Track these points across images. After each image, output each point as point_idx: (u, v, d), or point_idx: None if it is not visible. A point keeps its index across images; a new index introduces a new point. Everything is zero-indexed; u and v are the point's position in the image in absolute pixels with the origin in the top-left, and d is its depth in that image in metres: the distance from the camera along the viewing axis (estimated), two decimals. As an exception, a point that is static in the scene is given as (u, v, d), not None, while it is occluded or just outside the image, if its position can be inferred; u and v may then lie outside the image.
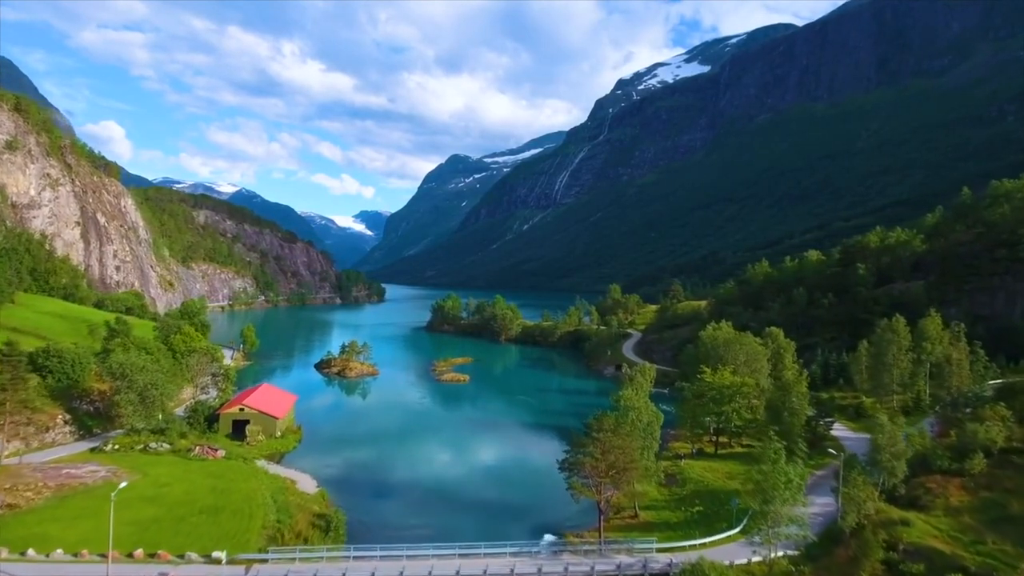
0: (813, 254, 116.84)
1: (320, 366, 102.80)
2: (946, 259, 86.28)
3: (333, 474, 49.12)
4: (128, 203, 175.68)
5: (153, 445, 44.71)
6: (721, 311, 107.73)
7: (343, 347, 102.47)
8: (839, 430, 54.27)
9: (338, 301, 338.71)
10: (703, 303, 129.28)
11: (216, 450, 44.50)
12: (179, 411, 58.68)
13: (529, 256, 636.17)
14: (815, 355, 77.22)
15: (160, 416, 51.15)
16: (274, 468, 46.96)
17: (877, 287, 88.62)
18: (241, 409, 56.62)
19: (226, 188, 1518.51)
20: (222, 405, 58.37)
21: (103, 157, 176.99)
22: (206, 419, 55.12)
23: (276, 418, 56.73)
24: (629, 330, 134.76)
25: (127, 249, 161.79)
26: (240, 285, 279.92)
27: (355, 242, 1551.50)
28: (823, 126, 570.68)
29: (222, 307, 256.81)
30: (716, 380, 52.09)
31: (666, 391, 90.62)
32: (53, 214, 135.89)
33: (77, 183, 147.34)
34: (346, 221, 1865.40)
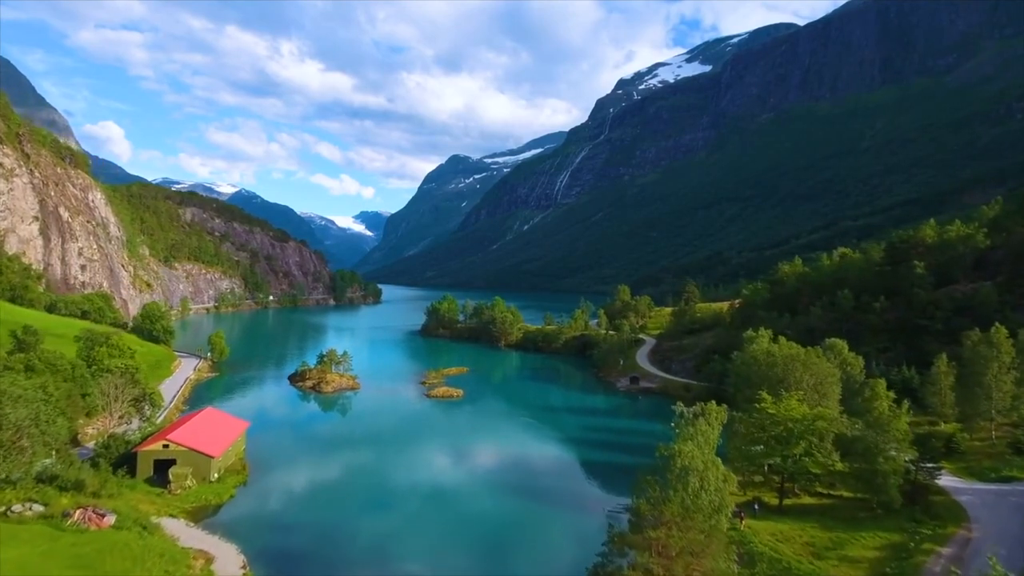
0: (843, 251, 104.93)
1: (294, 378, 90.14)
2: (1018, 256, 74.44)
3: (273, 540, 36.65)
4: (97, 197, 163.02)
5: (17, 508, 32.30)
6: (749, 316, 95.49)
7: (320, 356, 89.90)
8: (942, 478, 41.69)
9: (332, 302, 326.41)
10: (724, 305, 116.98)
11: (103, 515, 32.13)
12: (86, 449, 46.36)
13: (529, 256, 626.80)
14: (870, 369, 65.41)
15: (52, 458, 38.79)
16: (189, 535, 34.51)
17: (935, 288, 76.64)
18: (165, 445, 44.09)
19: (226, 188, 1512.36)
20: (143, 440, 45.88)
21: (69, 147, 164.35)
22: (116, 460, 42.67)
23: (211, 456, 44.17)
24: (641, 335, 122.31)
25: (94, 247, 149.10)
26: (227, 286, 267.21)
27: (355, 242, 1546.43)
28: (827, 125, 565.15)
29: (207, 309, 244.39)
30: (782, 412, 39.66)
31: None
32: (7, 208, 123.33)
33: (36, 174, 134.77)
34: (346, 221, 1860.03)
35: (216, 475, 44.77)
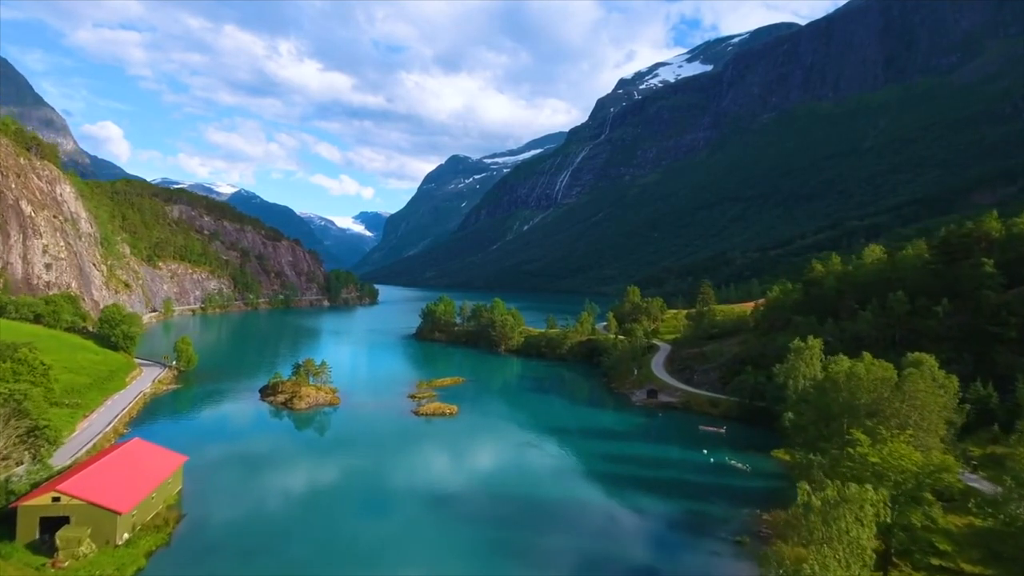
0: (874, 247, 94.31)
1: (265, 392, 79.06)
2: (1102, 253, 64.23)
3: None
4: (66, 190, 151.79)
5: None
6: (779, 320, 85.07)
7: (296, 367, 78.99)
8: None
9: (326, 304, 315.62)
10: (746, 307, 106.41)
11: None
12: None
13: (530, 257, 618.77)
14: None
15: None
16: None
17: (1006, 289, 66.33)
18: (55, 498, 33.23)
19: (225, 189, 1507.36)
20: (31, 489, 34.99)
21: (36, 136, 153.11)
22: (-10, 518, 31.91)
23: (117, 512, 33.34)
24: (654, 341, 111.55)
25: (62, 244, 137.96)
26: (215, 286, 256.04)
27: (355, 243, 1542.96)
28: (829, 125, 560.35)
29: (193, 310, 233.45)
30: (888, 459, 28.86)
31: (723, 430, 67.63)
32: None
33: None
34: (346, 222, 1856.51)
35: (126, 535, 33.91)
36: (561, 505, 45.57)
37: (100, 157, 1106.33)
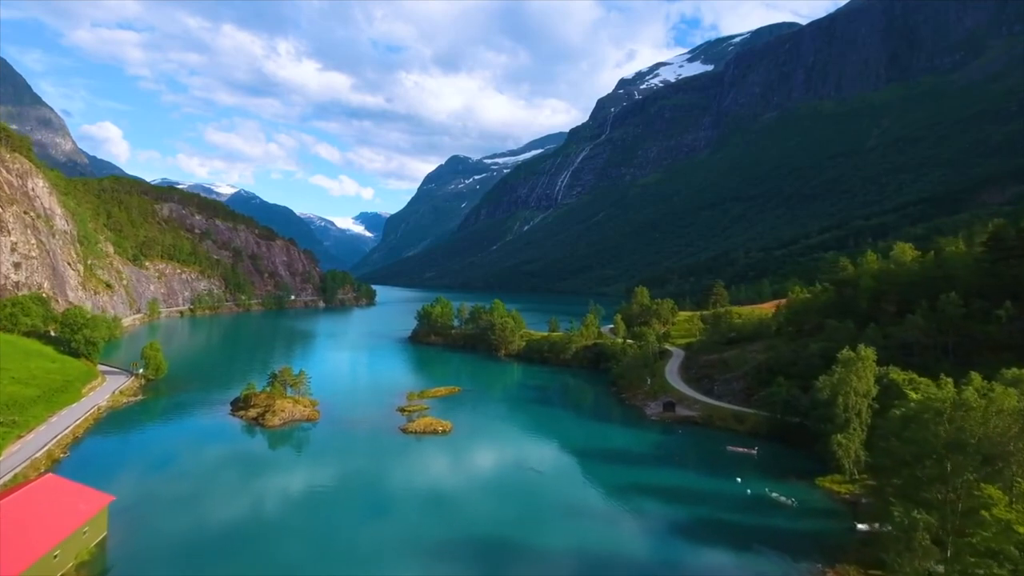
0: (901, 246, 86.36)
1: (237, 405, 70.65)
2: None
3: None
4: (39, 185, 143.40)
5: None
6: (808, 324, 77.08)
7: (272, 376, 70.70)
8: None
9: (321, 305, 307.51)
10: (764, 309, 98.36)
11: None
12: None
13: (530, 257, 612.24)
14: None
15: None
16: None
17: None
18: (-94, 569, 25.17)
19: (225, 189, 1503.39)
20: None
21: (5, 127, 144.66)
22: None
23: (-9, 587, 25.26)
24: (666, 346, 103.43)
25: (33, 242, 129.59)
26: (205, 287, 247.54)
27: (355, 243, 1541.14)
28: (831, 124, 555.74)
29: (181, 312, 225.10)
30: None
31: (754, 451, 59.49)
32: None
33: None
34: (346, 223, 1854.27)
35: (5, 616, 25.78)
36: (570, 554, 37.27)
37: (99, 157, 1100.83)
